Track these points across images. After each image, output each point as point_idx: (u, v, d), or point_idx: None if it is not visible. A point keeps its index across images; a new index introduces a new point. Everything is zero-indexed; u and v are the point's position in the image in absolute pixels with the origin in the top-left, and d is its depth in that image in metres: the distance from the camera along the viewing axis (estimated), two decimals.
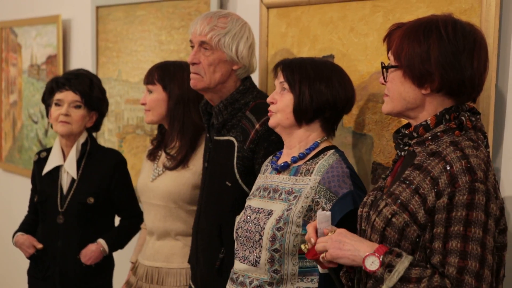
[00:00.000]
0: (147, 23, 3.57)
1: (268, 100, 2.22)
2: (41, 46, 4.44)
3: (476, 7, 2.10)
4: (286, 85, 2.17)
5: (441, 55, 1.70)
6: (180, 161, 2.73)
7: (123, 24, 3.75)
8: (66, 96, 3.02)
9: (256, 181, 2.31)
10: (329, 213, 1.80)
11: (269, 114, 2.22)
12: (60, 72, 4.20)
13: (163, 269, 2.79)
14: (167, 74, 2.77)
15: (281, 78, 2.19)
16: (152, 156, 2.88)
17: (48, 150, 3.19)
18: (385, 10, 2.36)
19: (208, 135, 2.58)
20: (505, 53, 2.08)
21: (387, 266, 1.64)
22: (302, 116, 2.16)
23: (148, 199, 2.82)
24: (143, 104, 2.81)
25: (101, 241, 3.03)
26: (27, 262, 3.22)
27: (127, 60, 3.74)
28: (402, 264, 1.63)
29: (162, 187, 2.75)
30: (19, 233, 3.15)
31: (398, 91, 1.77)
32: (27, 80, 4.64)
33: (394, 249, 1.67)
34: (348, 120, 2.51)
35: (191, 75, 2.46)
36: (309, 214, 2.07)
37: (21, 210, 4.83)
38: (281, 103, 2.18)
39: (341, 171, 2.10)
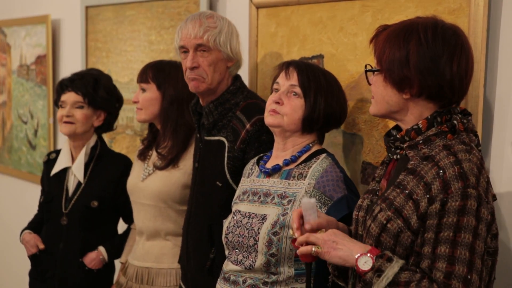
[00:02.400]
0: (137, 23, 3.56)
1: (274, 99, 2.17)
2: (30, 46, 4.42)
3: (464, 7, 2.10)
4: (298, 90, 2.15)
5: (419, 60, 1.69)
6: (170, 161, 2.72)
7: (112, 24, 3.74)
8: (69, 98, 3.02)
9: (241, 184, 2.30)
10: (313, 200, 1.78)
11: (270, 112, 2.18)
12: (50, 72, 4.19)
13: (153, 269, 2.78)
14: (162, 73, 2.75)
15: (293, 80, 2.16)
16: (143, 156, 2.87)
17: (58, 152, 3.18)
18: (374, 10, 2.37)
19: (198, 135, 2.57)
20: (493, 53, 2.08)
21: (377, 271, 1.63)
22: (311, 125, 2.17)
23: (138, 198, 2.81)
24: (135, 102, 2.80)
25: (101, 248, 3.02)
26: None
27: (117, 60, 3.73)
28: (392, 269, 1.63)
29: (152, 187, 2.75)
30: (26, 231, 3.14)
31: (381, 94, 1.77)
32: (16, 80, 4.62)
33: (385, 252, 1.67)
34: None
35: (192, 80, 2.43)
36: None
37: (11, 210, 4.83)
38: (289, 107, 2.15)
39: (335, 175, 2.10)
